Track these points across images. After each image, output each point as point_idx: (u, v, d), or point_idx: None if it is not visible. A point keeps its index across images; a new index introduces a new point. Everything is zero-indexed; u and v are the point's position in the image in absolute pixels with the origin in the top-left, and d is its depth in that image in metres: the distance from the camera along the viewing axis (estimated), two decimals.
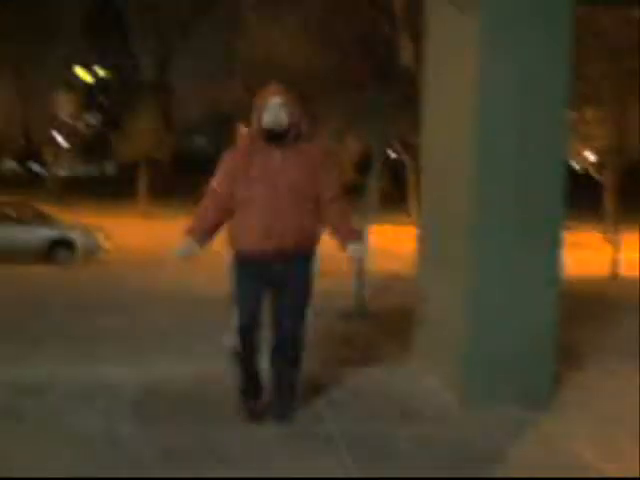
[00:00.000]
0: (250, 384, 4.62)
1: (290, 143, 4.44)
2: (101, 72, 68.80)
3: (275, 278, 4.48)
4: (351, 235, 4.53)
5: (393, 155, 38.70)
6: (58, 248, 17.04)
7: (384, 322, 8.00)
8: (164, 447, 4.20)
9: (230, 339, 4.52)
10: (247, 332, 4.48)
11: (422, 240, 6.03)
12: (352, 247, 4.50)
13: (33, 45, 55.07)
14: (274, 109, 4.38)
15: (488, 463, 4.10)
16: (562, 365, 5.41)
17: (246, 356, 4.54)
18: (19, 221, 17.74)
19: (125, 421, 4.60)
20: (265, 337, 4.58)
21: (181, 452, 4.14)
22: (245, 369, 4.58)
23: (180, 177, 50.03)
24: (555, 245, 5.08)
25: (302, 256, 4.53)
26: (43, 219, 18.19)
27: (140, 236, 23.58)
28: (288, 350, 4.56)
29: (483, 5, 4.90)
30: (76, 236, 16.12)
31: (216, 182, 4.53)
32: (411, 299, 6.42)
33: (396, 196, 38.51)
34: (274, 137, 4.40)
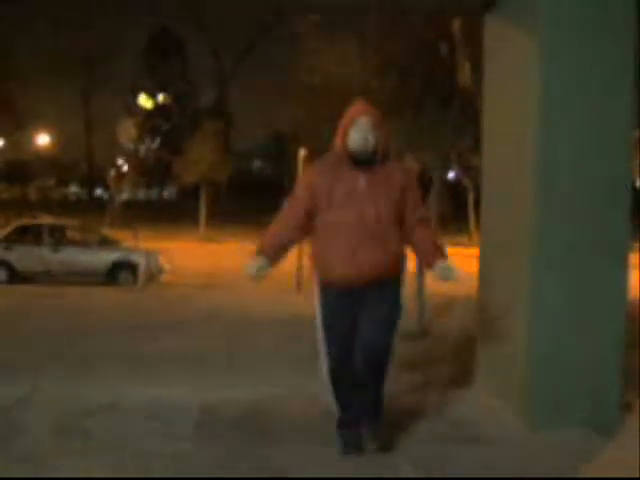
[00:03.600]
0: (348, 414, 4.49)
1: (376, 165, 4.27)
2: (161, 98, 69.92)
3: (364, 302, 4.31)
4: (439, 256, 4.36)
5: (452, 176, 38.50)
6: (120, 270, 17.31)
7: (446, 343, 7.93)
8: (225, 467, 4.20)
9: (324, 369, 4.48)
10: (341, 361, 4.39)
11: (483, 262, 5.96)
12: (441, 268, 4.32)
13: (96, 72, 56.45)
14: (361, 131, 4.21)
15: None
16: (628, 391, 5.28)
17: (342, 385, 4.45)
18: (82, 244, 18.09)
19: (188, 441, 4.62)
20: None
21: (242, 473, 4.14)
22: (343, 399, 4.49)
23: (239, 201, 50.50)
24: (621, 266, 4.97)
25: (390, 279, 4.36)
26: (106, 242, 18.53)
27: (200, 259, 23.80)
28: (373, 366, 4.38)
29: (544, 24, 4.86)
30: (138, 258, 16.34)
31: (295, 197, 4.38)
32: (473, 321, 6.36)
33: (456, 218, 38.24)
34: (360, 158, 4.24)
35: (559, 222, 4.87)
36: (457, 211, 39.57)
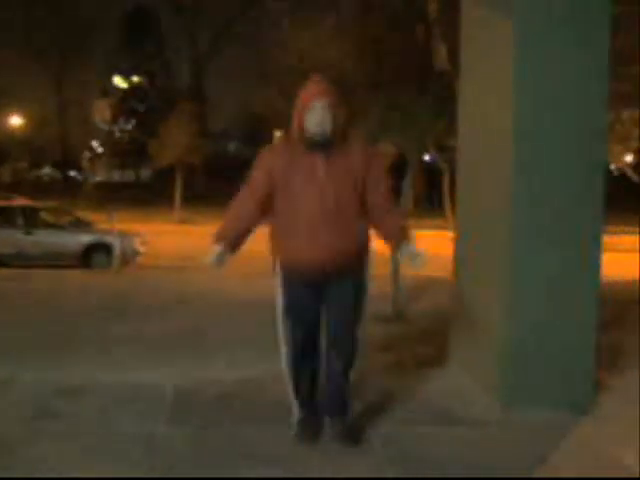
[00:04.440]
0: (307, 411, 4.40)
1: (334, 148, 4.11)
2: (136, 79, 69.41)
3: (328, 289, 4.20)
4: (404, 238, 4.18)
5: (427, 159, 38.58)
6: (94, 252, 17.20)
7: (421, 325, 7.98)
8: (199, 448, 4.22)
9: (283, 356, 4.35)
10: (302, 347, 4.28)
11: (458, 243, 5.99)
12: (407, 252, 4.15)
13: (69, 53, 55.86)
14: (317, 113, 4.03)
15: (527, 466, 4.05)
16: (601, 369, 5.35)
17: (303, 378, 4.35)
18: (56, 226, 17.95)
19: (160, 423, 4.63)
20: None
21: (215, 453, 4.15)
22: (303, 393, 4.39)
23: (214, 182, 50.30)
24: (594, 247, 5.00)
25: (354, 264, 4.23)
26: (80, 224, 18.40)
27: (176, 241, 23.72)
28: (342, 358, 4.29)
29: (518, 7, 4.85)
30: (112, 241, 16.24)
31: (250, 183, 4.22)
32: (448, 302, 6.40)
33: (432, 200, 38.36)
34: (318, 142, 4.08)
35: (535, 206, 4.88)
36: (433, 193, 39.72)
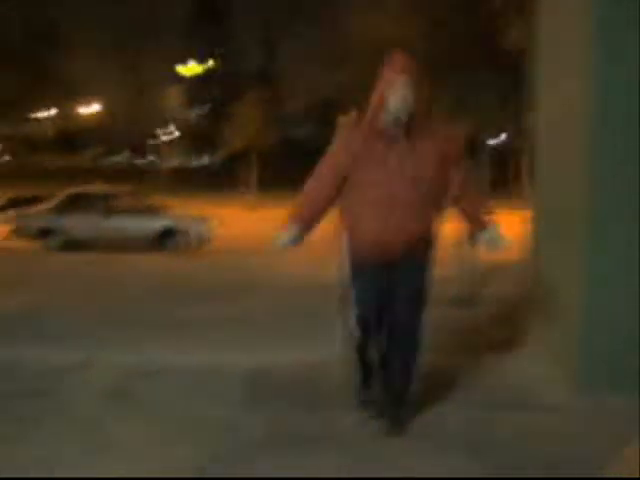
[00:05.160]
0: (369, 390, 4.35)
1: (415, 127, 3.93)
2: (210, 64, 70.10)
3: (393, 273, 4.08)
4: (486, 223, 4.11)
5: (503, 139, 37.95)
6: (169, 237, 17.46)
7: (494, 308, 7.86)
8: (272, 430, 4.23)
9: (351, 331, 4.24)
10: (368, 330, 4.17)
11: (536, 225, 5.86)
12: (488, 237, 4.10)
13: (144, 41, 56.67)
14: (399, 94, 3.84)
15: (607, 450, 3.94)
16: None
17: (367, 358, 4.27)
18: (132, 211, 18.26)
19: (232, 406, 4.66)
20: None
21: (285, 437, 4.15)
22: (366, 374, 4.34)
23: (288, 167, 50.51)
24: None
25: (422, 250, 4.12)
26: (155, 209, 18.68)
27: (249, 225, 23.90)
28: (404, 344, 4.19)
29: None
30: (186, 225, 16.45)
31: (330, 160, 4.08)
32: (523, 285, 6.28)
33: (507, 182, 37.79)
34: (398, 125, 3.90)
35: (613, 184, 4.73)
36: (508, 175, 39.12)
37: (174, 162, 51.78)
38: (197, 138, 60.14)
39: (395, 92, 3.85)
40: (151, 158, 71.64)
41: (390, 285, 4.12)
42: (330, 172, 4.06)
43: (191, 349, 6.11)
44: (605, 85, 4.69)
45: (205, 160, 77.60)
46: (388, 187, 3.93)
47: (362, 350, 4.25)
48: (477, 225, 4.16)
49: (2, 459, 3.85)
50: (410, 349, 4.23)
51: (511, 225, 6.58)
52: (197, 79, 62.64)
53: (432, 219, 4.12)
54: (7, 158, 61.23)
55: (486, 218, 4.13)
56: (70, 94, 53.57)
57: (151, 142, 59.75)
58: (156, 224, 17.70)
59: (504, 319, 7.20)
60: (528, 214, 6.27)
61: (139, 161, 74.30)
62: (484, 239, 4.14)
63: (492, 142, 37.33)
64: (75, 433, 4.20)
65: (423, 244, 4.12)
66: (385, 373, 4.27)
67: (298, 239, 4.11)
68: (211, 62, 67.99)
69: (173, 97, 43.96)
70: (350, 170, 4.00)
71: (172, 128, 55.70)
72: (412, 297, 4.15)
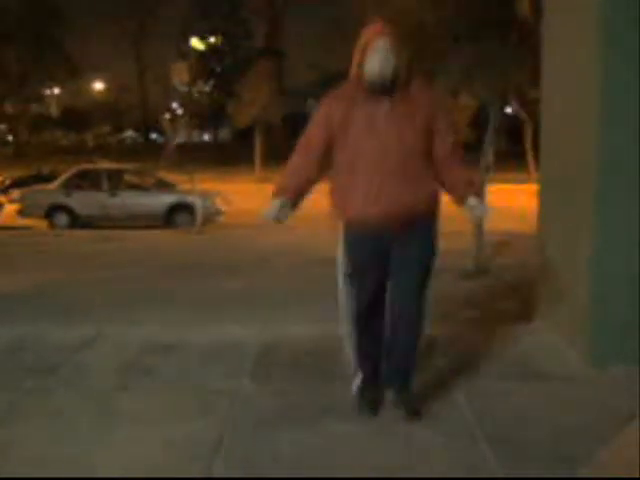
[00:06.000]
0: (371, 370, 4.15)
1: (397, 93, 3.79)
2: (213, 39, 69.72)
3: (393, 244, 3.89)
4: (471, 192, 3.86)
5: (509, 111, 37.71)
6: (177, 212, 17.47)
7: (505, 280, 7.86)
8: (285, 403, 4.26)
9: (347, 319, 4.11)
10: (367, 310, 4.02)
11: (543, 198, 5.84)
12: (472, 205, 3.84)
13: (147, 18, 56.44)
14: (379, 55, 3.72)
15: (617, 422, 3.95)
16: None
17: (367, 338, 4.09)
18: (140, 187, 18.27)
19: (244, 378, 4.70)
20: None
21: (299, 409, 4.18)
22: (366, 355, 4.13)
23: (294, 141, 50.30)
24: None
25: (421, 221, 3.90)
26: (162, 185, 18.68)
27: (257, 200, 23.85)
28: (407, 326, 4.00)
29: None
30: (195, 201, 16.44)
31: (309, 133, 3.96)
32: (532, 257, 6.28)
33: (514, 154, 37.64)
34: (379, 88, 3.77)
35: (623, 157, 4.71)
36: (515, 147, 38.94)
37: (180, 138, 51.66)
38: (201, 114, 59.95)
39: (373, 54, 3.74)
40: (156, 136, 71.61)
41: (389, 261, 3.95)
42: (306, 148, 3.97)
43: (204, 323, 6.15)
44: (619, 54, 4.65)
45: (210, 136, 77.49)
46: (373, 154, 3.78)
47: (361, 332, 4.09)
48: (461, 193, 3.90)
49: (17, 433, 3.89)
50: (412, 332, 4.05)
51: (525, 195, 6.53)
52: (201, 56, 62.38)
53: (428, 186, 3.90)
54: (12, 137, 61.22)
55: (469, 187, 3.88)
56: (75, 72, 53.47)
57: (157, 119, 59.62)
58: (165, 200, 17.71)
59: (515, 290, 7.21)
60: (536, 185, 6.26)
61: (145, 138, 74.19)
62: (468, 209, 3.90)
63: (509, 110, 36.95)
64: (89, 406, 4.24)
65: (422, 215, 3.90)
66: (388, 359, 4.14)
67: (284, 213, 3.92)
68: (213, 39, 67.64)
69: (177, 73, 43.74)
70: (329, 142, 3.89)
71: (176, 105, 55.59)
72: (414, 276, 3.94)
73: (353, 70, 3.84)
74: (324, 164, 3.95)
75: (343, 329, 4.21)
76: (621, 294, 4.81)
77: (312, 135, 3.96)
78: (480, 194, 3.99)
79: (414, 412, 4.02)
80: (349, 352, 4.23)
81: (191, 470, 3.49)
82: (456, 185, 3.91)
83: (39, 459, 3.59)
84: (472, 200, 3.86)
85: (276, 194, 3.96)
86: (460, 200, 3.91)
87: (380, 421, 4.00)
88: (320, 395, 4.37)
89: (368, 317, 4.04)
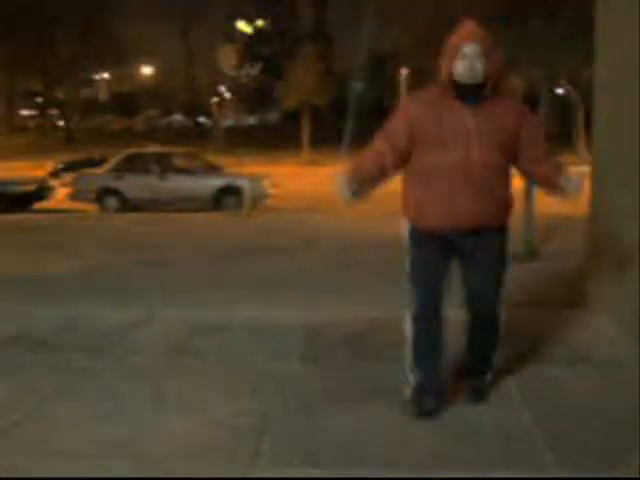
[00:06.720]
0: (429, 380, 3.96)
1: (485, 99, 3.68)
2: (260, 23, 69.75)
3: (464, 251, 3.83)
4: (559, 176, 3.71)
5: (561, 92, 37.13)
6: (225, 196, 17.56)
7: (555, 264, 7.77)
8: (329, 385, 4.28)
9: (407, 327, 3.98)
10: (427, 318, 3.90)
11: (595, 181, 5.74)
12: (564, 186, 3.69)
13: (194, 1, 56.64)
14: (468, 58, 3.60)
15: None
16: None
17: (427, 348, 3.94)
18: (188, 171, 18.40)
19: (292, 360, 4.73)
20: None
21: (347, 391, 4.19)
22: (426, 364, 3.96)
23: (342, 123, 50.23)
24: None
25: (495, 229, 3.83)
26: (211, 168, 18.78)
27: (304, 182, 23.92)
28: (486, 323, 3.98)
29: None
30: (243, 184, 16.50)
31: (392, 124, 3.82)
32: (582, 241, 6.19)
33: (564, 136, 37.06)
34: (467, 91, 3.66)
35: None
36: (566, 129, 38.35)
37: (228, 122, 51.95)
38: (249, 98, 60.13)
39: (462, 59, 3.62)
40: (204, 119, 71.97)
41: (464, 270, 3.90)
42: (386, 144, 3.81)
43: (254, 305, 6.18)
44: None
45: (258, 119, 77.65)
46: (456, 159, 3.66)
47: (418, 333, 3.95)
48: (553, 183, 3.79)
49: (66, 413, 3.97)
50: (490, 332, 4.03)
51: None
52: (249, 39, 62.47)
53: (504, 198, 3.82)
54: (63, 122, 62.05)
55: (559, 174, 3.74)
56: (124, 56, 53.92)
57: (205, 102, 59.97)
58: (213, 183, 17.81)
59: (565, 275, 7.12)
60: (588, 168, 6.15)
61: (193, 122, 74.65)
62: (562, 187, 3.73)
63: (560, 91, 36.32)
64: (138, 387, 4.30)
65: (496, 224, 3.83)
66: (468, 345, 4.11)
67: (359, 194, 3.81)
68: (260, 22, 67.62)
69: (225, 57, 43.88)
70: (410, 142, 3.75)
71: (223, 89, 55.76)
72: (489, 282, 3.89)
73: (441, 72, 3.71)
74: (398, 164, 3.83)
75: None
76: None
77: (395, 126, 3.80)
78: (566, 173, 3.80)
79: (479, 398, 4.03)
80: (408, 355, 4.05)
81: (238, 450, 3.52)
82: (547, 181, 3.84)
83: (87, 438, 3.65)
84: (562, 180, 3.73)
85: (350, 176, 3.78)
86: (552, 190, 3.82)
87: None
88: (368, 378, 4.38)
89: (426, 318, 3.93)
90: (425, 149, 3.73)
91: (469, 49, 3.61)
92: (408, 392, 3.98)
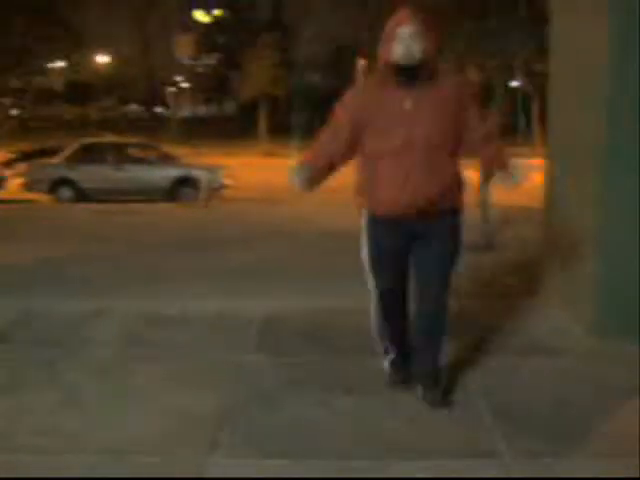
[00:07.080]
0: (399, 350, 4.14)
1: (424, 81, 3.73)
2: (217, 12, 69.25)
3: (417, 236, 3.86)
4: (503, 166, 3.83)
5: (515, 84, 37.49)
6: (182, 186, 17.44)
7: (511, 255, 7.85)
8: (287, 376, 4.29)
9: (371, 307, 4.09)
10: (388, 299, 4.01)
11: (550, 170, 5.81)
12: (504, 175, 3.81)
13: None
14: (405, 40, 3.65)
15: (623, 398, 3.97)
16: None
17: (392, 324, 4.09)
18: (144, 161, 18.23)
19: (248, 351, 4.73)
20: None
21: (304, 381, 4.21)
22: (392, 339, 4.13)
23: (298, 114, 50.20)
24: None
25: (447, 211, 3.87)
26: (167, 159, 18.63)
27: (262, 173, 23.84)
28: (432, 317, 3.98)
29: None
30: (199, 174, 16.41)
31: (336, 115, 3.90)
32: (538, 232, 6.26)
33: (519, 128, 37.44)
34: (405, 74, 3.70)
35: (632, 127, 4.68)
36: (520, 121, 38.74)
37: (184, 112, 51.56)
38: (205, 88, 59.74)
39: (399, 42, 3.67)
40: (160, 109, 71.33)
41: (415, 254, 3.93)
42: (333, 135, 3.91)
43: (208, 296, 6.16)
44: (631, 21, 4.61)
45: (214, 109, 77.14)
46: (400, 141, 3.70)
47: (383, 317, 4.08)
48: (494, 169, 3.92)
49: (23, 403, 3.93)
50: (438, 330, 4.02)
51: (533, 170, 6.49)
52: (206, 29, 61.97)
53: (454, 178, 3.86)
54: (17, 111, 61.03)
55: (505, 162, 3.86)
56: (79, 45, 53.17)
57: (162, 92, 59.46)
58: (170, 174, 17.67)
59: (519, 265, 7.20)
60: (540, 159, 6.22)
61: (149, 112, 73.94)
62: (500, 178, 3.87)
63: (515, 84, 36.63)
64: (92, 378, 4.27)
65: (447, 204, 3.86)
66: (417, 356, 4.10)
67: (311, 183, 3.88)
68: (217, 11, 67.17)
69: (182, 47, 43.52)
70: (357, 130, 3.82)
71: (181, 78, 55.34)
72: (439, 265, 3.91)
73: (379, 57, 3.79)
74: (346, 154, 3.92)
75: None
76: (627, 268, 4.80)
77: (337, 119, 3.90)
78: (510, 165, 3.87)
79: (442, 402, 3.96)
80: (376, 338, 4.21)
81: (196, 440, 3.51)
82: (490, 167, 3.97)
83: (42, 430, 3.62)
84: (509, 165, 3.83)
85: (304, 163, 3.88)
86: (489, 175, 3.88)
87: (384, 395, 4.02)
88: (328, 368, 4.39)
89: (391, 306, 4.03)
90: (371, 136, 3.80)
91: (404, 31, 3.68)
92: (386, 364, 4.19)
